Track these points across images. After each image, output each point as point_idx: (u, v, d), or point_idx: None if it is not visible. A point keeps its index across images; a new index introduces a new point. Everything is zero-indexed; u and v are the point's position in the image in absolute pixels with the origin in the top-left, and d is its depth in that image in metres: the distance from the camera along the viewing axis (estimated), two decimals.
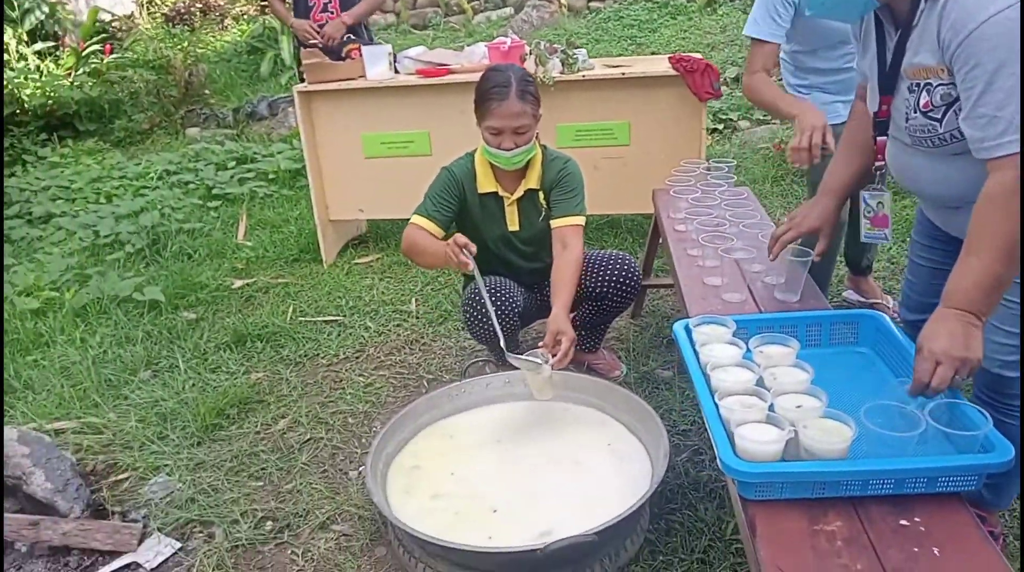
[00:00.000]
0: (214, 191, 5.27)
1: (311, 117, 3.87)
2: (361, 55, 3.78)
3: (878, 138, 1.75)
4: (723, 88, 6.59)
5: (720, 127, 5.76)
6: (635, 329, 3.17)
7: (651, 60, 4.06)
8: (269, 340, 3.23)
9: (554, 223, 2.52)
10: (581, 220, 2.51)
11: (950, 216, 1.70)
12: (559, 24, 8.74)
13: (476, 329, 2.55)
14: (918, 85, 1.55)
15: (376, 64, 3.72)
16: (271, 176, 5.45)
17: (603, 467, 2.11)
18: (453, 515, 1.97)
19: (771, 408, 1.38)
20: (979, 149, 1.43)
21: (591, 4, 9.17)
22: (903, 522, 1.25)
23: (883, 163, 1.79)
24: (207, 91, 7.73)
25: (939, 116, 1.52)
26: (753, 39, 2.56)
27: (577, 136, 3.72)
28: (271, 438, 2.58)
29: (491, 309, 2.28)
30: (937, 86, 1.51)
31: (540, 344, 2.24)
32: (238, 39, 9.33)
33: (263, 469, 2.41)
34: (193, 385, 2.92)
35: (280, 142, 6.24)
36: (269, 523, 2.18)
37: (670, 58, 3.54)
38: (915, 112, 1.57)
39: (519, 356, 2.20)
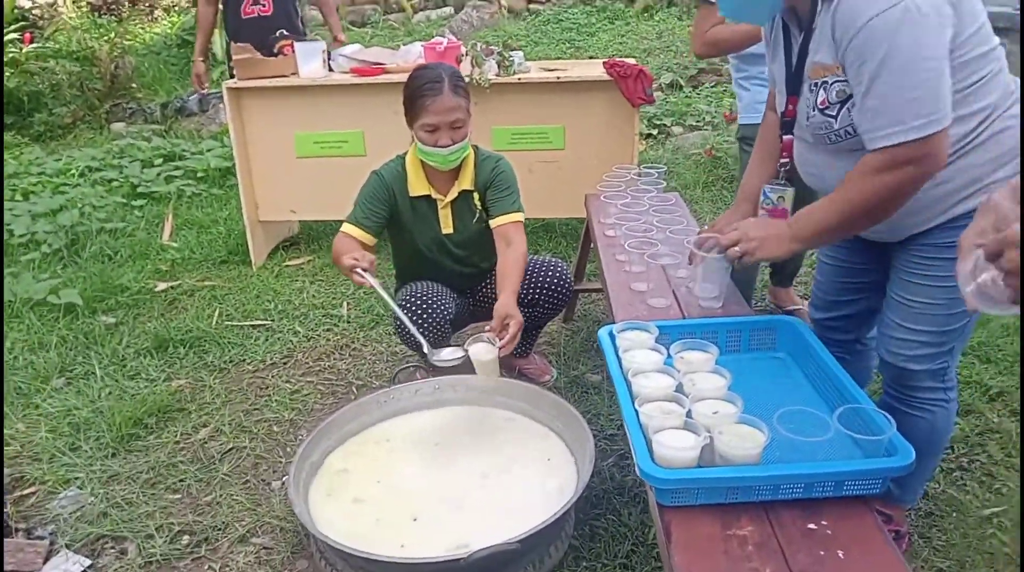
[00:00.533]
0: (139, 189, 5.09)
1: (241, 114, 3.77)
2: (294, 51, 3.70)
3: (784, 136, 1.81)
4: (657, 94, 6.71)
5: (654, 132, 5.85)
6: (567, 333, 3.18)
7: (587, 64, 4.09)
8: (193, 345, 3.12)
9: (494, 222, 2.51)
10: (521, 216, 2.52)
11: None
12: (499, 25, 8.75)
13: (406, 334, 2.51)
14: (817, 84, 1.61)
15: (309, 61, 3.65)
16: (200, 174, 5.29)
17: (529, 473, 2.10)
18: (374, 522, 1.93)
19: (689, 414, 1.39)
20: (868, 140, 1.51)
21: (531, 6, 9.21)
22: (811, 526, 1.27)
23: (787, 160, 1.85)
24: (134, 85, 7.46)
25: (834, 113, 1.59)
26: (701, 2, 2.61)
27: (512, 139, 3.72)
28: (191, 448, 2.49)
29: (405, 319, 2.27)
30: (833, 83, 1.57)
31: (487, 327, 2.23)
32: (168, 31, 9.02)
33: (181, 481, 2.33)
34: (110, 393, 2.80)
35: (210, 139, 6.07)
36: (186, 537, 2.11)
37: (604, 63, 3.58)
38: (813, 110, 1.63)
39: (461, 347, 2.18)
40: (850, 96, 1.53)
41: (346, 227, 2.46)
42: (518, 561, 1.83)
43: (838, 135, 1.60)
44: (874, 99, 1.46)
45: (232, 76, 3.88)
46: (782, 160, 1.85)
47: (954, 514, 2.09)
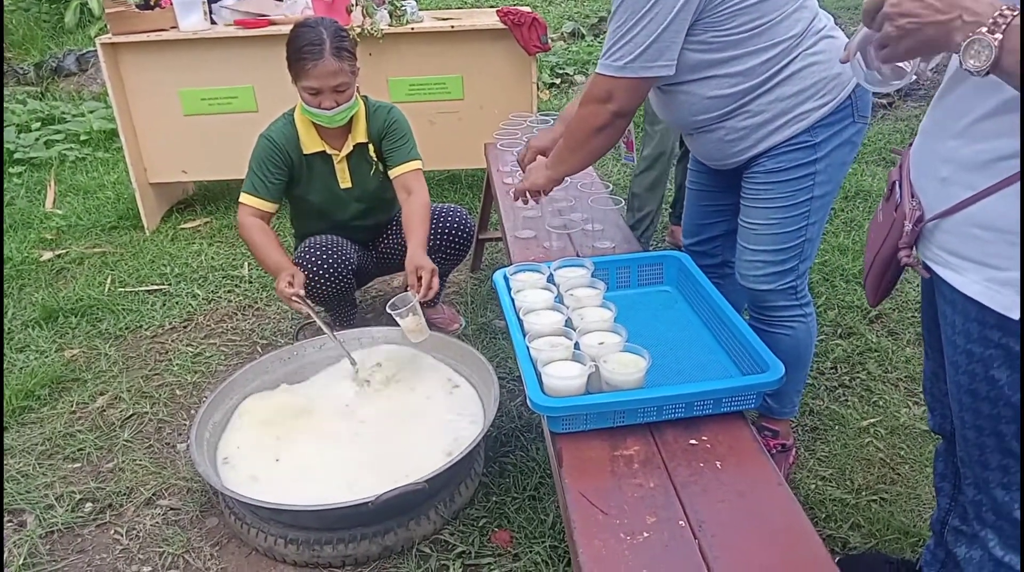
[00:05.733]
0: (16, 155, 4.78)
1: (120, 72, 3.57)
2: (172, 3, 3.51)
3: None
4: (559, 43, 6.72)
5: (557, 82, 5.88)
6: (473, 282, 3.22)
7: (481, 13, 4.05)
8: (84, 314, 3.00)
9: (393, 173, 2.49)
10: (419, 164, 2.51)
11: (691, 141, 1.89)
12: None
13: (309, 290, 2.48)
14: None
15: (189, 13, 3.47)
16: (83, 138, 5.00)
17: (437, 417, 2.14)
18: (282, 474, 1.94)
19: (577, 346, 1.45)
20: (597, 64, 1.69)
21: None
22: (692, 441, 1.36)
23: None
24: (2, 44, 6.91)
25: None
26: None
27: (410, 90, 3.67)
28: (89, 417, 2.42)
29: (338, 341, 2.29)
30: None
31: (407, 286, 2.24)
32: None
33: (80, 450, 2.26)
34: None
35: (92, 100, 5.73)
36: (88, 504, 2.06)
37: (498, 11, 3.55)
38: None
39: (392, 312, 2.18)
40: None
41: (245, 198, 2.39)
42: (428, 501, 1.88)
43: None
44: (610, 26, 1.62)
45: None
46: None
47: (836, 427, 2.26)
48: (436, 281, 2.22)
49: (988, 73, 0.89)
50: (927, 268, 1.17)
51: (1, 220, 3.87)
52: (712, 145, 1.78)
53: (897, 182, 1.20)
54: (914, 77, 1.06)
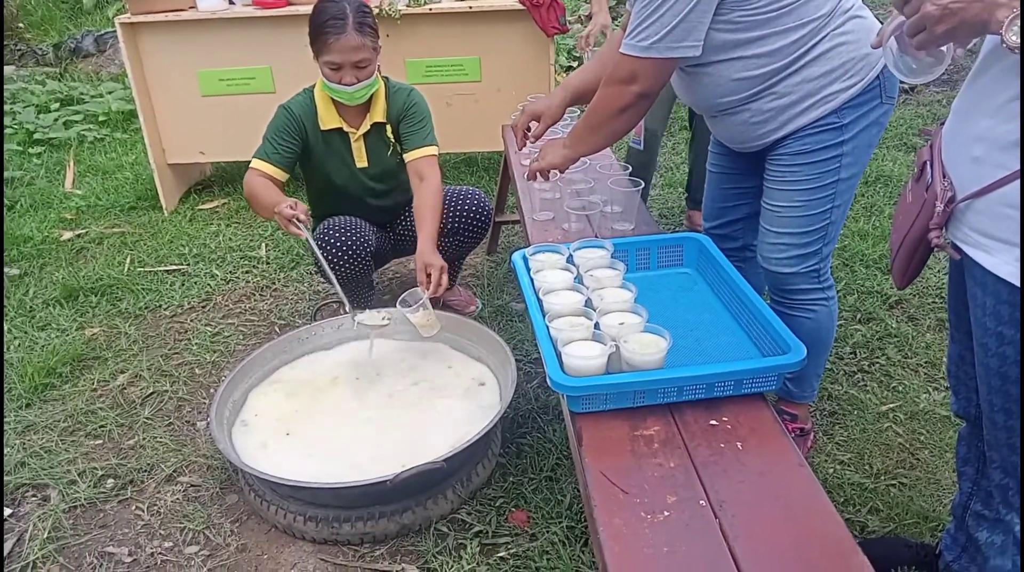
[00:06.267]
0: (35, 136, 4.81)
1: (139, 52, 3.58)
2: None
3: None
4: (577, 25, 6.66)
5: (574, 64, 5.83)
6: (490, 265, 3.22)
7: None
8: (105, 293, 3.03)
9: (408, 156, 2.48)
10: (434, 150, 2.49)
11: (713, 124, 1.87)
12: None
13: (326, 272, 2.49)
14: None
15: None
16: (101, 118, 5.03)
17: (456, 399, 2.15)
18: (301, 451, 1.96)
19: (597, 326, 1.45)
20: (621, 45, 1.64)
21: None
22: (712, 422, 1.36)
23: None
24: (21, 25, 6.95)
25: None
26: None
27: (427, 72, 3.65)
28: (110, 395, 2.44)
29: (331, 275, 2.25)
30: None
31: (418, 283, 2.23)
32: None
33: (102, 427, 2.29)
34: (19, 344, 2.70)
35: (110, 81, 5.75)
36: (110, 481, 2.09)
37: None
38: None
39: (395, 309, 2.19)
40: None
41: (256, 163, 2.39)
42: (446, 480, 1.89)
43: None
44: (637, 7, 1.58)
45: None
46: None
47: (855, 412, 2.25)
48: (445, 278, 2.22)
49: None
50: (956, 249, 1.15)
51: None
52: (737, 128, 1.76)
53: (928, 162, 1.19)
54: (949, 62, 1.04)
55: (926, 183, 1.17)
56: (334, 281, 2.24)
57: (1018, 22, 0.86)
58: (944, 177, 1.12)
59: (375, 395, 2.18)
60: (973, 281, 1.12)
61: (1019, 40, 0.86)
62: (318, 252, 2.24)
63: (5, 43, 6.62)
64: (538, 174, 2.00)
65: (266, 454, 1.96)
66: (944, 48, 1.02)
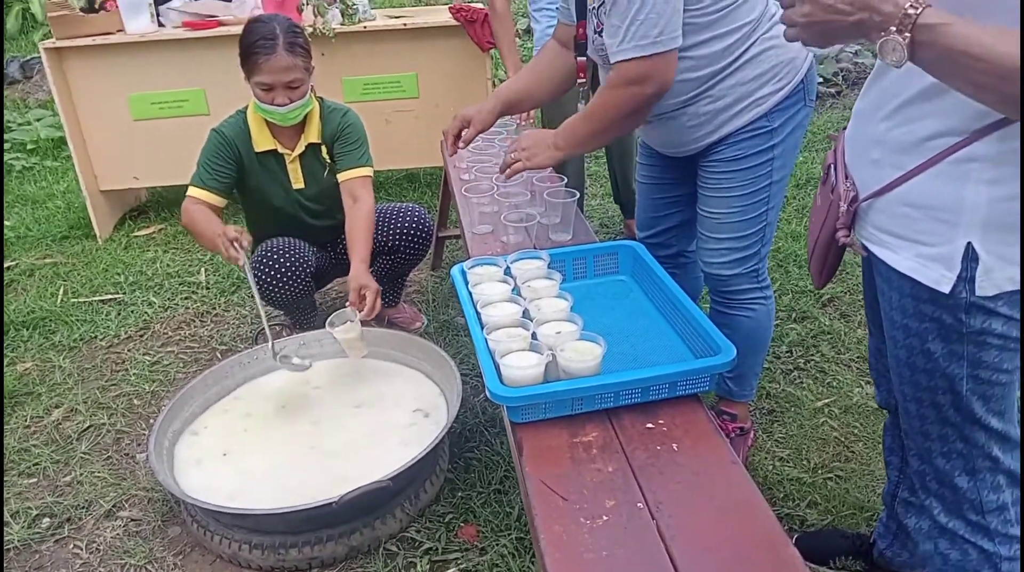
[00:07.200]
0: None
1: (67, 78, 3.50)
2: (117, 6, 3.45)
3: (578, 58, 1.91)
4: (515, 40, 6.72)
5: None
6: (435, 280, 3.22)
7: (433, 10, 4.05)
8: (37, 326, 2.94)
9: (341, 177, 2.47)
10: (368, 171, 2.49)
11: (648, 129, 1.91)
12: None
13: (267, 294, 2.47)
14: (593, 8, 1.72)
15: (135, 16, 3.41)
16: (30, 147, 4.89)
17: (400, 415, 2.15)
18: (243, 479, 1.94)
19: (534, 337, 1.47)
20: (610, 55, 1.63)
21: None
22: (649, 425, 1.38)
23: (584, 80, 1.96)
24: None
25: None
26: None
27: (365, 89, 3.65)
28: (44, 431, 2.37)
29: (261, 310, 2.23)
30: (599, 7, 1.67)
31: (347, 303, 2.22)
32: None
33: (36, 464, 2.22)
34: None
35: (38, 108, 5.59)
36: (46, 520, 2.02)
37: (450, 8, 3.56)
38: (595, 33, 1.74)
39: (326, 330, 2.17)
40: None
41: (193, 191, 2.36)
42: (393, 499, 1.88)
43: None
44: (614, 18, 1.59)
45: None
46: (579, 80, 1.95)
47: (792, 409, 2.32)
48: (379, 302, 2.22)
49: (903, 65, 0.92)
50: (864, 247, 1.20)
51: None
52: (673, 132, 1.80)
53: (832, 165, 1.24)
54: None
55: (831, 185, 1.22)
56: (262, 314, 2.23)
57: (888, 44, 0.89)
58: (847, 178, 1.18)
59: (319, 417, 2.16)
60: (880, 277, 1.18)
61: (894, 59, 0.90)
62: (252, 281, 2.21)
63: None
64: (507, 168, 1.92)
65: (199, 470, 1.93)
66: None
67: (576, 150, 1.86)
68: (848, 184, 1.16)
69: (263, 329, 2.72)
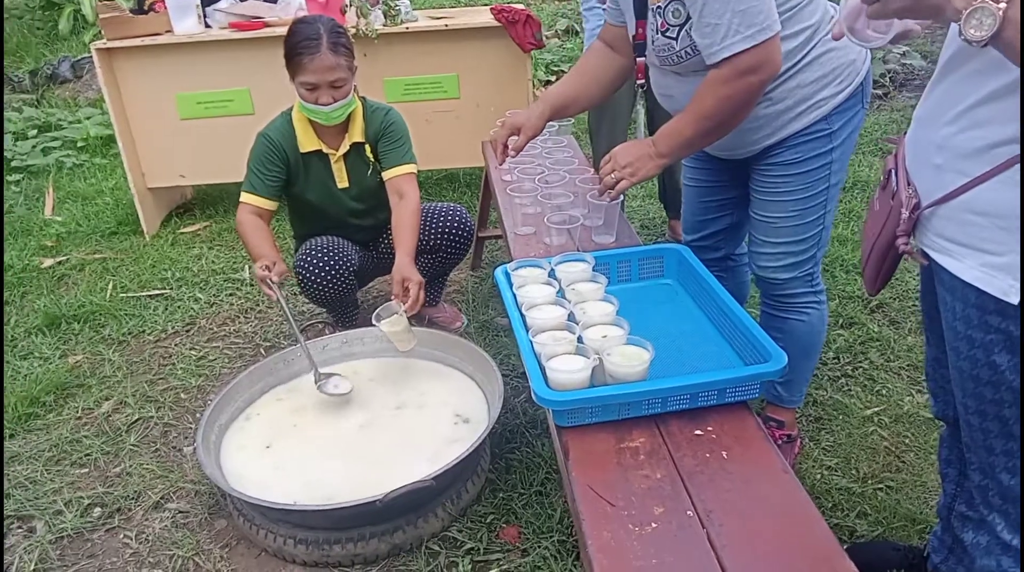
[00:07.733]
0: (13, 163, 4.78)
1: (116, 78, 3.58)
2: (166, 7, 3.51)
3: (637, 59, 1.87)
4: (553, 40, 6.72)
5: (552, 79, 5.87)
6: (475, 280, 3.23)
7: (475, 11, 4.06)
8: (87, 320, 3.01)
9: (387, 175, 2.49)
10: (413, 168, 2.50)
11: None
12: None
13: (310, 292, 2.50)
14: (657, 8, 1.68)
15: (183, 17, 3.48)
16: (80, 144, 5.01)
17: (443, 416, 2.15)
18: (290, 474, 1.96)
19: (580, 340, 1.46)
20: (709, 55, 1.59)
21: None
22: (698, 432, 1.37)
23: (642, 81, 1.92)
24: None
25: (674, 35, 1.66)
26: None
27: (406, 90, 3.67)
28: (94, 422, 2.42)
29: (295, 328, 2.25)
30: (667, 6, 1.63)
31: (392, 296, 2.24)
32: None
33: (87, 455, 2.27)
34: None
35: (88, 107, 5.73)
36: (97, 509, 2.07)
37: (491, 9, 3.56)
38: (657, 34, 1.70)
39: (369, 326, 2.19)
40: (688, 18, 1.60)
41: (245, 197, 2.40)
42: (435, 498, 1.89)
43: (679, 56, 1.68)
44: (709, 16, 1.54)
45: None
46: (638, 82, 1.93)
47: (840, 417, 2.27)
48: (423, 294, 2.23)
49: (986, 44, 0.87)
50: (925, 255, 1.17)
51: (2, 233, 3.87)
52: (730, 134, 1.76)
53: (893, 170, 1.21)
54: (896, 32, 1.05)
55: (892, 191, 1.19)
56: (300, 339, 2.26)
57: (978, 14, 0.85)
58: (908, 185, 1.14)
59: (363, 415, 2.17)
60: (942, 286, 1.15)
61: (979, 33, 0.86)
62: (287, 310, 2.23)
63: None
64: (609, 190, 1.82)
65: (254, 476, 1.95)
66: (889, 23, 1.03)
67: (681, 154, 1.78)
68: (910, 190, 1.13)
69: (309, 324, 2.78)
